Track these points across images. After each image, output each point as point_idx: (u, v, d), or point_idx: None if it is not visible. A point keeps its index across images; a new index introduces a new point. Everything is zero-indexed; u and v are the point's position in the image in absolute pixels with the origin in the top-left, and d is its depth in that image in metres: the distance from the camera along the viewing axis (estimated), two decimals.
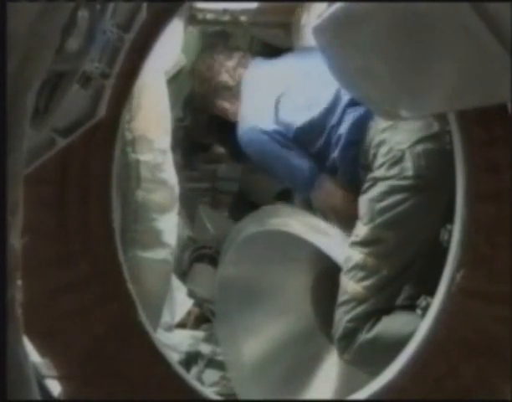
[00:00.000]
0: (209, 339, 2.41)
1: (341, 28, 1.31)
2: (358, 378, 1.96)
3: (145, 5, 1.13)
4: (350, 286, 1.82)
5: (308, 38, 2.21)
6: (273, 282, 2.21)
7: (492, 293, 1.50)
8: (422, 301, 1.71)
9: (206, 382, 2.23)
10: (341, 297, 1.84)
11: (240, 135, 2.16)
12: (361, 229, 1.83)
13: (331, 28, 1.35)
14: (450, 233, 1.58)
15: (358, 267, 1.81)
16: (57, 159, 1.23)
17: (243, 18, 2.49)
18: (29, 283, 0.88)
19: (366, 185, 1.85)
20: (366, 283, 1.79)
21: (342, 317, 1.81)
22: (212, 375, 2.29)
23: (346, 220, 2.03)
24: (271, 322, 2.23)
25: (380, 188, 1.81)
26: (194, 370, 2.27)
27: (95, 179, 1.38)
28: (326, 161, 2.04)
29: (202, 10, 2.43)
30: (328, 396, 2.07)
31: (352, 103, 1.95)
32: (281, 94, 2.11)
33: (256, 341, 2.24)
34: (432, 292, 1.59)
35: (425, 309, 1.65)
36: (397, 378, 1.52)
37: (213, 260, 2.49)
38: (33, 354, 1.27)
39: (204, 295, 2.45)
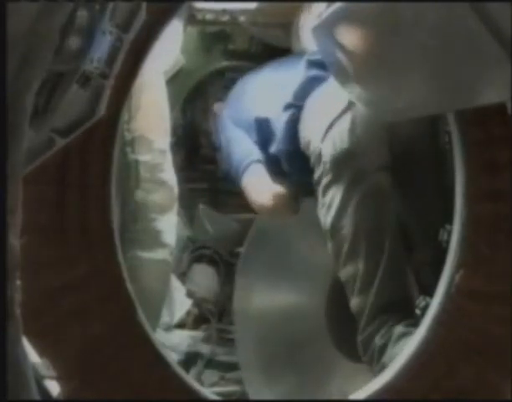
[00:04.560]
0: (208, 339, 2.41)
1: (341, 28, 1.31)
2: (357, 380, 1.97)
3: (144, 5, 1.13)
4: (352, 303, 1.80)
5: (306, 38, 2.22)
6: (302, 257, 2.24)
7: (491, 293, 1.50)
8: (421, 301, 1.71)
9: (205, 382, 2.23)
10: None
11: None
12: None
13: (331, 28, 1.35)
14: (449, 233, 1.58)
15: (347, 282, 1.80)
16: (56, 159, 1.23)
17: (242, 19, 2.48)
18: (28, 283, 0.88)
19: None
20: (357, 288, 1.76)
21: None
22: (211, 375, 2.29)
23: (272, 218, 2.09)
24: (286, 292, 2.25)
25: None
26: (193, 370, 2.28)
27: (95, 179, 1.38)
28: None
29: (202, 10, 2.43)
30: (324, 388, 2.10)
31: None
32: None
33: (268, 302, 2.27)
34: (431, 293, 1.59)
35: (424, 309, 1.65)
36: (397, 378, 1.52)
37: (212, 261, 2.49)
38: (32, 354, 1.27)
39: (203, 295, 2.45)
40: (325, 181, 1.80)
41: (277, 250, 2.25)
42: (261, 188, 2.05)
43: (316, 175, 1.83)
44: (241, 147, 2.08)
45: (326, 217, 1.81)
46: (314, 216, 1.96)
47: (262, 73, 2.28)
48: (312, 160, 1.84)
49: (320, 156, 1.80)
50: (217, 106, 2.38)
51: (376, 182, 1.75)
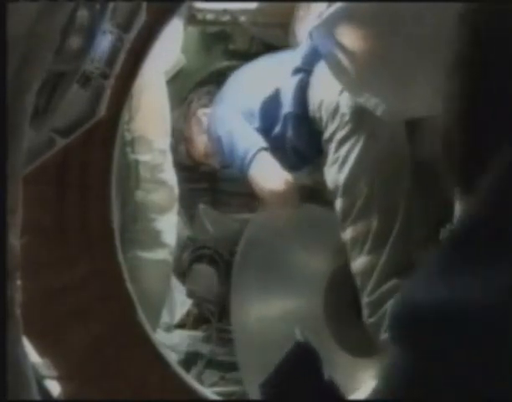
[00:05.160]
0: (208, 339, 2.41)
1: (341, 27, 1.31)
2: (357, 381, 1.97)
3: (144, 5, 1.13)
4: (359, 262, 1.77)
5: (301, 34, 2.21)
6: (295, 260, 2.21)
7: None
8: None
9: (205, 382, 2.23)
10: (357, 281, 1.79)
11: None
12: (337, 203, 1.78)
13: (331, 28, 1.35)
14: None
15: (355, 240, 1.77)
16: (56, 159, 1.23)
17: (242, 18, 2.48)
18: (28, 283, 0.88)
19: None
20: (367, 247, 1.74)
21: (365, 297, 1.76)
22: (211, 375, 2.29)
23: (281, 205, 2.03)
24: (282, 298, 2.23)
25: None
26: (193, 370, 2.27)
27: (95, 179, 1.38)
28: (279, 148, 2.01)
29: (202, 10, 2.43)
30: None
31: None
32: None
33: (264, 310, 2.24)
34: None
35: None
36: None
37: (213, 261, 2.48)
38: (33, 354, 1.27)
39: (203, 295, 2.45)
40: (340, 134, 1.76)
41: (271, 253, 2.24)
42: (271, 174, 2.01)
43: (329, 132, 1.79)
44: (245, 138, 2.04)
45: (338, 173, 1.77)
46: (308, 218, 1.96)
47: (255, 64, 2.26)
48: (325, 118, 1.80)
49: (336, 110, 1.76)
50: (201, 112, 2.35)
51: (396, 137, 1.72)
